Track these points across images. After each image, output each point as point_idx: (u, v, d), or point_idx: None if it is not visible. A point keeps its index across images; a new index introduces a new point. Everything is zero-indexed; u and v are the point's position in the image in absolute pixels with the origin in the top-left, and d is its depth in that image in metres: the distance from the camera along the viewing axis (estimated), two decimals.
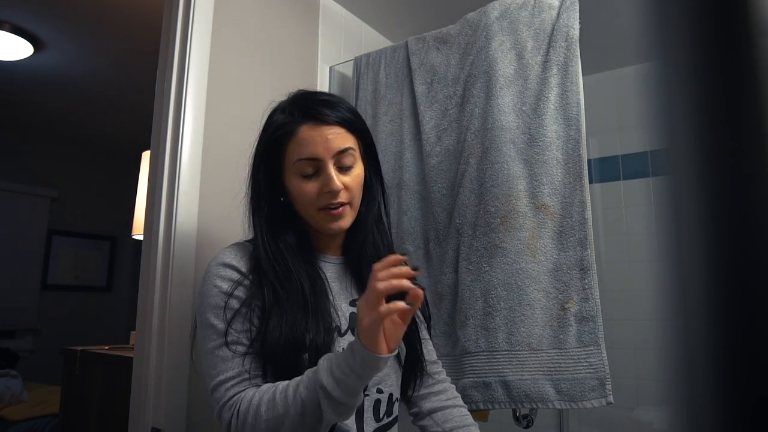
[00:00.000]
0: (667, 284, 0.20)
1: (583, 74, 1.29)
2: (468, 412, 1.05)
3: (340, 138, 0.91)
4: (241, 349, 0.85)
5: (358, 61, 1.71)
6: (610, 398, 1.14)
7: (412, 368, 0.99)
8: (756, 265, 0.18)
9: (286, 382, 0.80)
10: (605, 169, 2.37)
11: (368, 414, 0.90)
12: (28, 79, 3.03)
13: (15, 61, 2.77)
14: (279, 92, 1.62)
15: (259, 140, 0.98)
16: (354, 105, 1.68)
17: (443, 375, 1.09)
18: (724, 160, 0.18)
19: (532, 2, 1.36)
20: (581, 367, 1.17)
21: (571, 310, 1.20)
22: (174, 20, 1.37)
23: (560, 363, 1.19)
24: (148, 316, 1.23)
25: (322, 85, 1.77)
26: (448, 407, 1.03)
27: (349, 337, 0.90)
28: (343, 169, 0.92)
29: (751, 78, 0.18)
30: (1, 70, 2.90)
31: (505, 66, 1.36)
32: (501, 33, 1.38)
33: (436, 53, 1.51)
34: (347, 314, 0.94)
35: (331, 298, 0.92)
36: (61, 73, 2.97)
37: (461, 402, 1.07)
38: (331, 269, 0.99)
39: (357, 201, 0.96)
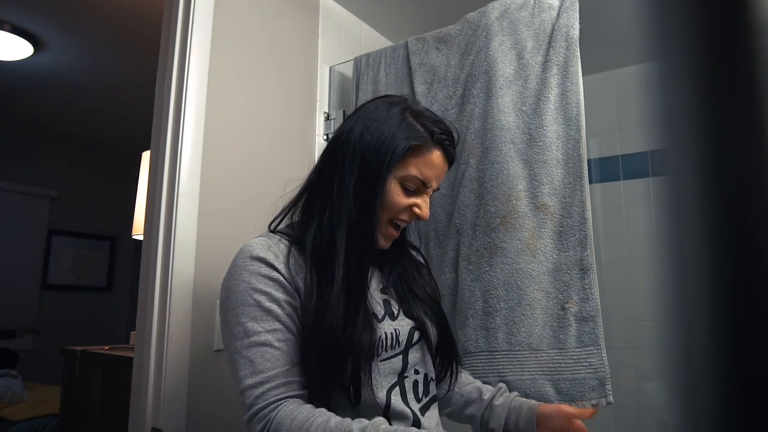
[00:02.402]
0: (667, 284, 0.20)
1: (583, 74, 1.29)
2: (479, 383, 1.11)
3: (443, 177, 0.99)
4: (271, 351, 0.82)
5: (358, 61, 1.71)
6: (610, 398, 1.14)
7: (446, 349, 1.00)
8: (756, 265, 0.18)
9: (325, 419, 0.78)
10: (605, 169, 2.37)
11: (410, 395, 0.91)
12: (28, 79, 3.03)
13: (15, 61, 2.77)
14: (279, 92, 1.62)
15: (373, 125, 0.93)
16: (354, 105, 1.68)
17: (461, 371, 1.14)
18: (724, 160, 0.18)
19: (532, 2, 1.36)
20: (581, 367, 1.17)
21: (571, 310, 1.20)
22: (174, 20, 1.37)
23: (560, 363, 1.19)
24: (148, 316, 1.23)
25: (322, 85, 1.77)
26: (464, 384, 1.10)
27: (388, 322, 0.91)
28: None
29: (750, 78, 0.18)
30: (1, 70, 2.90)
31: (505, 66, 1.36)
32: (501, 33, 1.38)
33: (436, 53, 1.51)
34: (381, 302, 0.94)
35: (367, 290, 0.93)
36: (61, 73, 2.97)
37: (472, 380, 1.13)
38: None
39: None
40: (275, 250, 0.89)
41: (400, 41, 1.63)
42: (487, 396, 1.05)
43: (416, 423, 0.89)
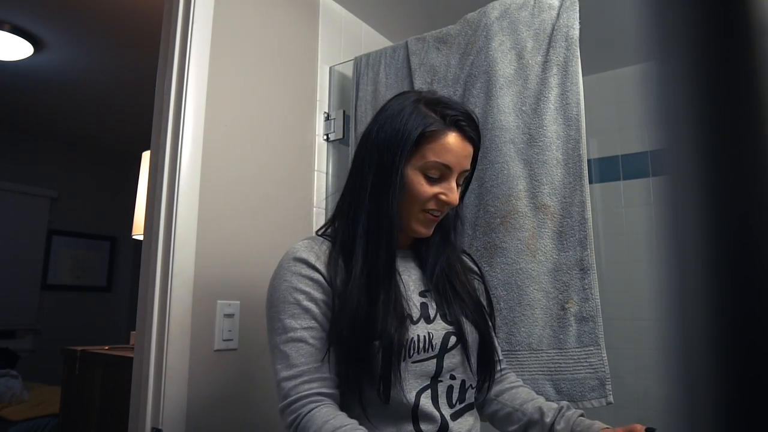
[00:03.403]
0: (667, 284, 0.20)
1: (583, 74, 1.29)
2: (532, 390, 1.07)
3: (469, 159, 0.97)
4: (305, 347, 0.86)
5: (358, 61, 1.71)
6: (610, 398, 1.14)
7: (485, 356, 0.99)
8: (756, 264, 0.18)
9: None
10: (605, 169, 2.37)
11: (442, 399, 0.92)
12: (28, 79, 3.03)
13: (15, 61, 2.77)
14: (279, 92, 1.62)
15: (387, 122, 0.96)
16: (354, 105, 1.68)
17: (504, 363, 1.11)
18: (724, 160, 0.18)
19: (532, 2, 1.36)
20: (581, 367, 1.17)
21: (571, 310, 1.20)
22: (174, 20, 1.37)
23: (560, 363, 1.19)
24: (148, 316, 1.23)
25: (322, 85, 1.77)
26: (513, 388, 1.05)
27: (423, 324, 0.92)
28: (456, 185, 0.97)
29: (750, 78, 0.18)
30: (1, 70, 2.90)
31: (505, 66, 1.36)
32: (501, 33, 1.38)
33: (436, 53, 1.51)
34: (418, 304, 0.95)
35: (402, 289, 0.94)
36: (61, 73, 2.97)
37: (524, 384, 1.09)
38: (400, 262, 0.99)
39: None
40: (317, 251, 0.93)
41: (400, 41, 1.63)
42: (548, 419, 0.99)
43: (444, 427, 0.89)
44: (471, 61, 1.42)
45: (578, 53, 1.29)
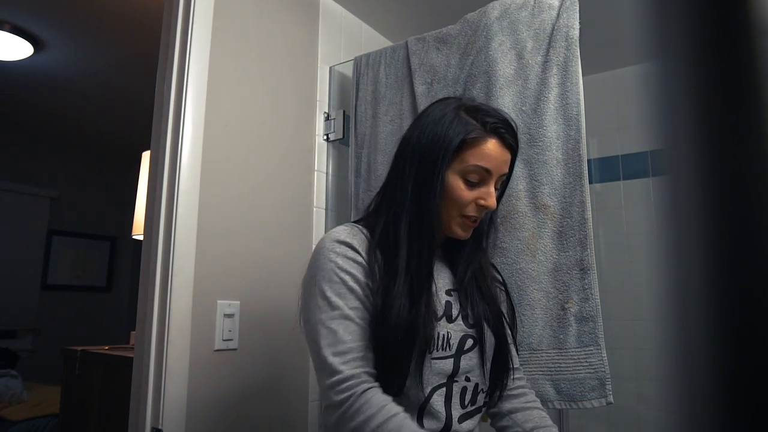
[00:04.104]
0: (666, 284, 0.20)
1: (583, 74, 1.29)
2: (547, 416, 1.06)
3: (507, 164, 1.00)
4: (353, 326, 0.87)
5: (358, 61, 1.71)
6: (610, 398, 1.14)
7: (500, 363, 1.01)
8: (756, 265, 0.18)
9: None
10: (605, 169, 2.37)
11: (455, 399, 0.93)
12: (28, 79, 3.03)
13: (15, 61, 2.77)
14: (279, 92, 1.62)
15: (429, 127, 0.99)
16: (354, 105, 1.68)
17: (524, 381, 1.11)
18: (724, 160, 0.18)
19: (532, 2, 1.36)
20: (581, 367, 1.17)
21: (571, 310, 1.20)
22: (174, 21, 1.37)
23: (560, 363, 1.19)
24: (148, 316, 1.23)
25: (322, 85, 1.77)
26: (528, 408, 1.05)
27: (444, 323, 0.94)
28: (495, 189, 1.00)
29: (751, 78, 0.18)
30: (1, 70, 2.90)
31: (505, 66, 1.36)
32: (501, 33, 1.38)
33: (436, 53, 1.51)
34: (443, 302, 0.97)
35: (434, 287, 0.96)
36: (61, 73, 2.97)
37: (540, 405, 1.08)
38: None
39: None
40: (358, 238, 0.95)
41: (400, 41, 1.63)
42: None
43: (447, 427, 0.91)
44: (471, 61, 1.42)
45: (578, 53, 1.29)
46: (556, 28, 1.31)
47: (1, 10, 2.32)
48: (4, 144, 3.95)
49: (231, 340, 1.34)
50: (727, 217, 0.18)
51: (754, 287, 0.18)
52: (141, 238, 1.58)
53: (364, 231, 0.98)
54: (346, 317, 0.88)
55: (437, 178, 0.94)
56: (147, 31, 2.41)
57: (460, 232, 0.99)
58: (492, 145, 0.96)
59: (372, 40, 2.04)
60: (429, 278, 0.94)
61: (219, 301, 1.33)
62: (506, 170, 1.00)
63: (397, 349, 0.87)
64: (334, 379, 0.84)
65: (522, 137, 1.31)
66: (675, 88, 0.20)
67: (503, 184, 1.06)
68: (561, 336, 1.20)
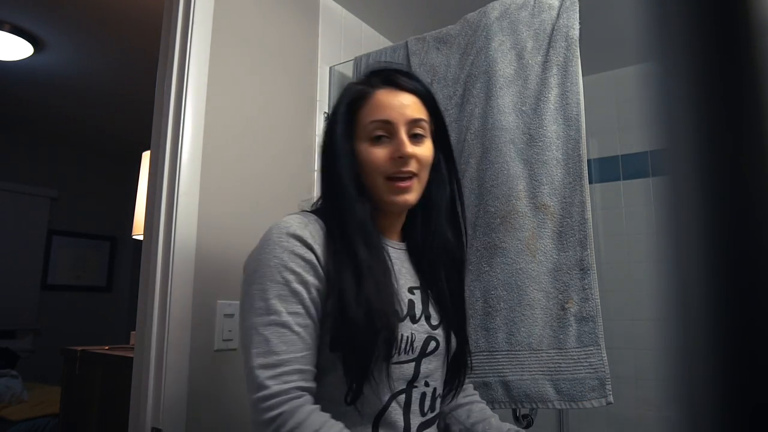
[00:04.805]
0: (667, 284, 0.20)
1: (583, 74, 1.29)
2: (487, 407, 1.04)
3: (414, 107, 0.91)
4: (289, 334, 0.78)
5: (358, 61, 1.71)
6: (610, 398, 1.14)
7: (459, 364, 0.96)
8: (756, 265, 0.18)
9: None
10: (605, 169, 2.37)
11: (415, 406, 0.86)
12: (28, 79, 3.03)
13: (15, 61, 2.77)
14: (279, 92, 1.62)
15: (333, 109, 0.96)
16: None
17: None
18: (724, 160, 0.18)
19: (532, 2, 1.36)
20: (581, 367, 1.17)
21: (571, 310, 1.20)
22: (174, 20, 1.37)
23: (560, 363, 1.19)
24: (148, 316, 1.23)
25: (322, 85, 1.77)
26: (468, 404, 1.03)
27: (407, 324, 0.87)
28: (413, 139, 0.90)
29: (751, 78, 0.18)
30: (1, 70, 2.90)
31: (505, 66, 1.36)
32: (501, 33, 1.38)
33: (436, 53, 1.51)
34: (406, 300, 0.90)
35: (394, 282, 0.88)
36: (61, 73, 2.97)
37: (479, 398, 1.07)
38: (392, 253, 0.94)
39: (424, 176, 0.93)
40: (312, 229, 0.86)
41: (400, 41, 1.63)
42: None
43: None
44: (471, 61, 1.42)
45: (578, 53, 1.29)
46: (556, 28, 1.31)
47: (1, 10, 2.32)
48: (4, 144, 3.95)
49: (231, 340, 1.34)
50: (727, 216, 0.18)
51: (754, 287, 0.18)
52: (141, 238, 1.58)
53: (320, 221, 0.89)
54: (283, 324, 0.78)
55: (337, 150, 0.89)
56: (147, 31, 2.41)
57: (395, 198, 0.89)
58: (381, 95, 0.90)
59: (372, 40, 2.04)
60: (386, 273, 0.86)
61: (219, 301, 1.33)
62: (416, 114, 0.91)
63: (356, 354, 0.79)
64: (259, 395, 0.76)
65: (522, 137, 1.31)
66: (675, 88, 0.20)
67: (439, 133, 0.96)
68: (561, 336, 1.20)
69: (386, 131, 0.89)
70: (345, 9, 1.92)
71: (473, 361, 1.26)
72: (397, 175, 0.89)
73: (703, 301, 0.19)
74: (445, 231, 0.97)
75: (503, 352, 1.23)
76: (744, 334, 0.18)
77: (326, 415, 0.77)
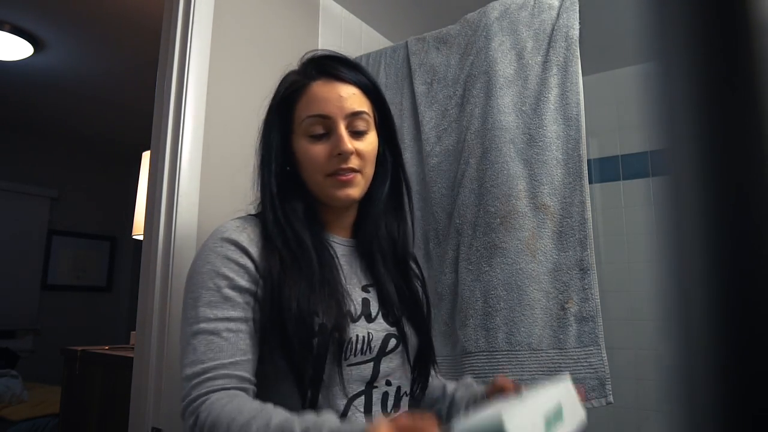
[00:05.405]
0: (667, 284, 0.20)
1: (583, 74, 1.29)
2: (440, 378, 1.02)
3: (354, 99, 0.86)
4: (216, 341, 0.75)
5: (357, 61, 1.71)
6: (610, 398, 1.14)
7: (423, 362, 0.92)
8: (756, 265, 0.18)
9: (267, 415, 0.67)
10: (605, 169, 2.37)
11: (377, 407, 0.83)
12: (28, 79, 3.03)
13: (15, 61, 2.77)
14: None
15: (269, 103, 0.91)
16: None
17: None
18: (724, 160, 0.18)
19: (532, 2, 1.36)
20: (581, 367, 1.17)
21: (571, 310, 1.20)
22: (174, 21, 1.37)
23: (560, 363, 1.19)
24: (148, 316, 1.23)
25: None
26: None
27: (362, 323, 0.83)
28: (355, 134, 0.86)
29: (751, 78, 0.18)
30: (1, 70, 2.90)
31: (505, 66, 1.36)
32: (501, 33, 1.38)
33: (436, 53, 1.51)
34: (359, 299, 0.86)
35: (342, 280, 0.85)
36: (61, 74, 2.97)
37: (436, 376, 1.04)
38: (340, 250, 0.91)
39: (369, 171, 0.89)
40: (250, 232, 0.83)
41: (400, 41, 1.63)
42: (450, 389, 0.97)
43: None
44: (471, 61, 1.42)
45: (578, 53, 1.29)
46: (556, 28, 1.31)
47: (1, 10, 2.32)
48: (4, 144, 3.95)
49: None
50: (726, 216, 0.18)
51: (754, 287, 0.18)
52: (141, 238, 1.58)
53: (260, 224, 0.86)
54: (211, 332, 0.75)
55: (288, 152, 0.86)
56: (147, 31, 2.41)
57: (337, 193, 0.85)
58: (318, 87, 0.85)
59: (372, 40, 2.04)
60: (332, 272, 0.82)
61: None
62: (356, 107, 0.85)
63: (299, 358, 0.75)
64: (183, 403, 0.73)
65: (522, 137, 1.31)
66: (675, 88, 0.20)
67: (383, 123, 0.92)
68: (561, 336, 1.20)
69: (324, 126, 0.85)
70: (345, 9, 1.92)
71: (473, 361, 1.26)
72: (338, 173, 0.85)
73: (703, 300, 0.19)
74: (389, 224, 0.94)
75: (503, 352, 1.23)
76: (744, 334, 0.18)
77: (245, 401, 0.71)
